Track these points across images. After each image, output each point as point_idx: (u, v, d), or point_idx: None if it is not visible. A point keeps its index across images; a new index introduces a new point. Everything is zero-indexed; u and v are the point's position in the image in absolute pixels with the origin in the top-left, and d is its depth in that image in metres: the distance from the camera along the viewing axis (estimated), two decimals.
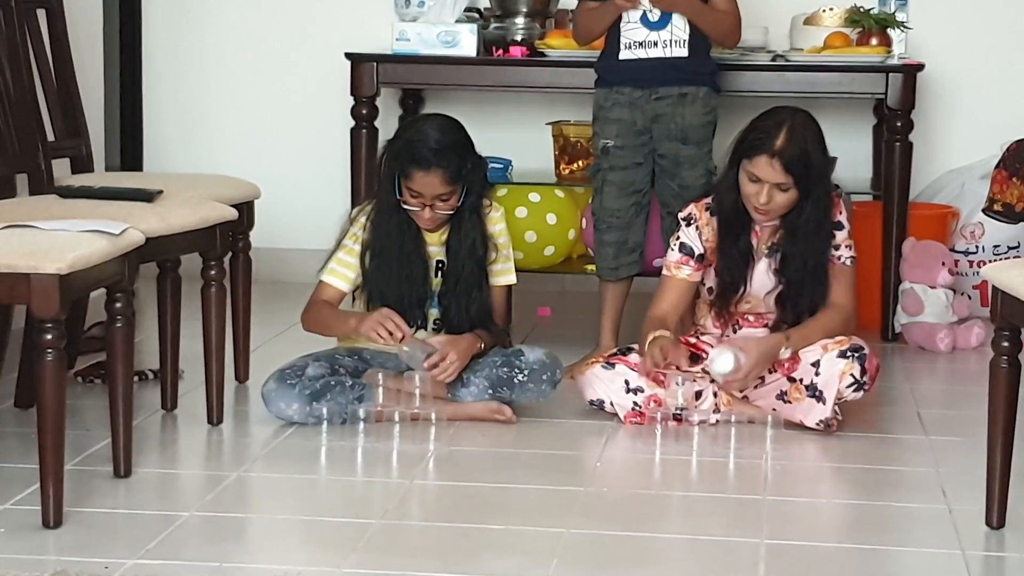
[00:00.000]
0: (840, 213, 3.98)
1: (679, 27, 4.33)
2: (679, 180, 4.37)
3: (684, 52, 4.33)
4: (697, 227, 3.99)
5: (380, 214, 3.90)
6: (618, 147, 4.38)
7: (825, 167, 3.93)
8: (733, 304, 3.98)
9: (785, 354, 3.87)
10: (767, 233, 3.98)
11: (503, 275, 4.00)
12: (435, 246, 3.94)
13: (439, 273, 3.94)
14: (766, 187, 3.86)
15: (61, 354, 3.05)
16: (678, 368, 3.86)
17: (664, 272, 4.02)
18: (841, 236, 3.98)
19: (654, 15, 4.32)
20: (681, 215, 4.03)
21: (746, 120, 3.98)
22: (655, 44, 4.33)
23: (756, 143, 3.86)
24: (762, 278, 3.97)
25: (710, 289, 4.02)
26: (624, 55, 4.35)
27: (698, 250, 3.98)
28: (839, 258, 3.98)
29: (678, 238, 4.00)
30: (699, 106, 4.36)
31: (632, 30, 4.34)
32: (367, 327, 3.80)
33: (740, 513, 3.33)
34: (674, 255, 4.00)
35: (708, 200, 4.01)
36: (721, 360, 3.82)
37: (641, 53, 4.34)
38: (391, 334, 3.77)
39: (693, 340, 4.04)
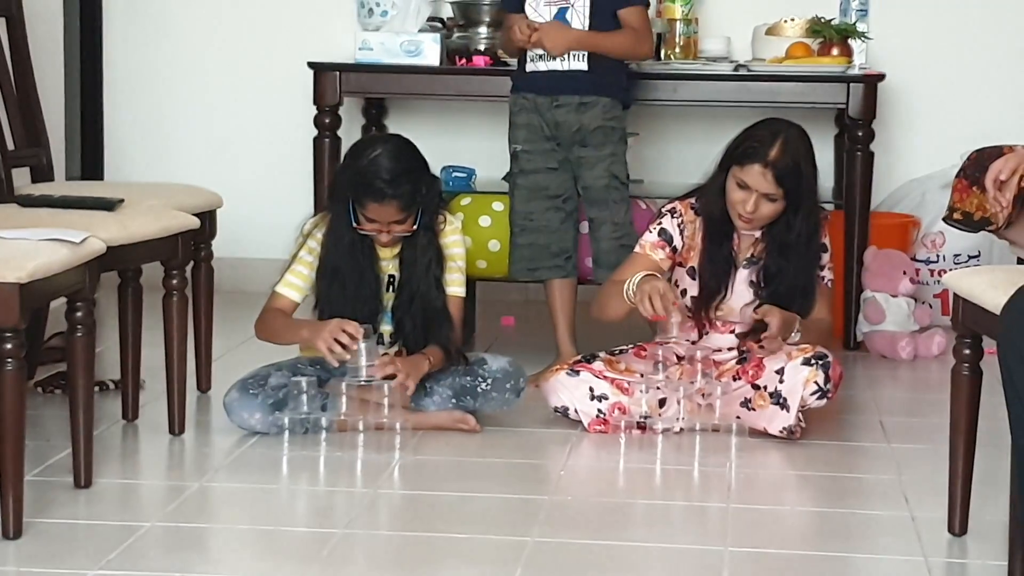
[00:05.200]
0: (826, 236, 4.01)
1: None
2: (582, 182, 4.44)
3: (584, 66, 4.39)
4: (681, 221, 3.99)
5: (333, 234, 3.89)
6: (526, 151, 4.45)
7: (815, 183, 3.94)
8: (713, 310, 3.98)
9: (795, 337, 3.88)
10: (746, 243, 3.99)
11: (451, 285, 3.96)
12: (387, 260, 3.92)
13: (390, 287, 3.92)
14: (754, 196, 3.87)
15: (21, 364, 3.03)
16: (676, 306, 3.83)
17: (636, 249, 4.03)
18: (826, 257, 4.02)
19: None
20: (665, 207, 4.04)
21: (710, 130, 4.00)
22: (554, 58, 4.38)
23: (750, 151, 3.87)
24: (741, 288, 3.98)
25: (683, 291, 4.01)
26: (529, 67, 4.44)
27: (676, 241, 3.99)
28: (823, 279, 4.02)
29: (659, 224, 4.00)
30: (598, 111, 4.41)
31: None
32: (321, 342, 3.76)
33: (704, 521, 3.34)
34: (651, 237, 4.00)
35: (692, 200, 4.02)
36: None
37: (542, 66, 4.42)
38: (344, 347, 3.74)
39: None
